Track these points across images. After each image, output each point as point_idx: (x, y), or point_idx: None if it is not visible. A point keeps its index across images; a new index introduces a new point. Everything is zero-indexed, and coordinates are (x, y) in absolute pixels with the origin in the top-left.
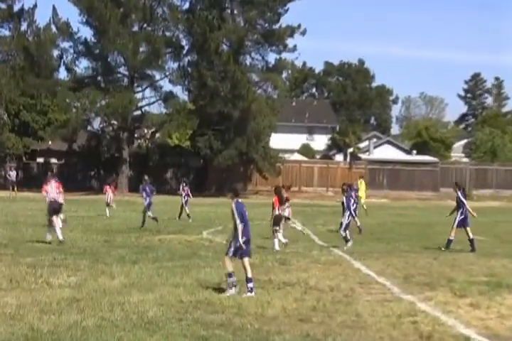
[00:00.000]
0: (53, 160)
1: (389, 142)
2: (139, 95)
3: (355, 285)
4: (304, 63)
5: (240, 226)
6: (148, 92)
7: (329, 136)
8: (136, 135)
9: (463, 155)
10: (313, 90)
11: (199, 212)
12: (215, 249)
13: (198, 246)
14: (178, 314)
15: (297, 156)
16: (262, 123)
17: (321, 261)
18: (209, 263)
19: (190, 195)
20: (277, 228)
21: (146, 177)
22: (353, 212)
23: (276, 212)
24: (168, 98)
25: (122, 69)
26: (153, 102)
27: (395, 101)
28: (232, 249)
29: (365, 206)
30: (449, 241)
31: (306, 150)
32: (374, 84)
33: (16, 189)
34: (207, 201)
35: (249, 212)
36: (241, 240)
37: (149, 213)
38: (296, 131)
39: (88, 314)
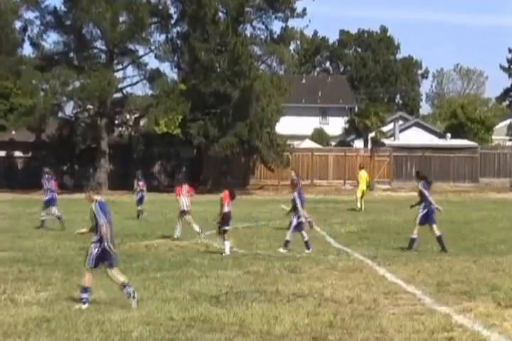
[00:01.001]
0: (17, 154)
1: (418, 124)
2: (119, 74)
3: (379, 295)
4: (316, 32)
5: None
6: (130, 71)
7: (346, 118)
8: (116, 122)
9: (507, 138)
10: (327, 64)
11: (193, 211)
12: (212, 255)
13: (192, 252)
14: (169, 334)
15: (309, 143)
16: (267, 105)
17: (338, 267)
18: (205, 272)
19: (145, 190)
20: (226, 228)
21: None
22: (300, 210)
23: (226, 209)
24: (154, 77)
25: (99, 44)
26: (137, 82)
27: (424, 76)
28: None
29: (362, 203)
30: (412, 241)
31: (319, 135)
32: (399, 56)
33: None
34: (202, 198)
35: (253, 209)
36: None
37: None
38: (307, 113)
39: (61, 336)
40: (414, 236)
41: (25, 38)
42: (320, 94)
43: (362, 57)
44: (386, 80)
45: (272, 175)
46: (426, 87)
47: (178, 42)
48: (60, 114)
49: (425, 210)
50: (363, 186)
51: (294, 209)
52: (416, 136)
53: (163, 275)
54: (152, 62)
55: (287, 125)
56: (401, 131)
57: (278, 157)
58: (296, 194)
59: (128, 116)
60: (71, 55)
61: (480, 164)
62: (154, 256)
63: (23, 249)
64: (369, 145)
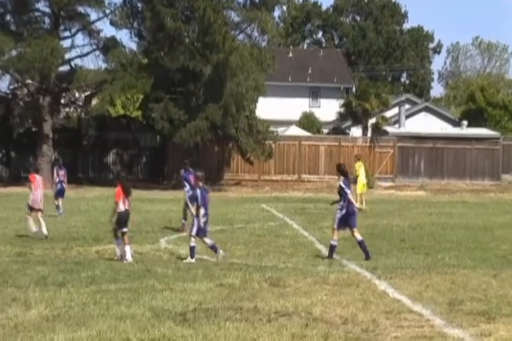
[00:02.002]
0: None
1: (428, 109)
2: (66, 43)
3: (378, 315)
4: None
5: None
6: (80, 39)
7: (342, 100)
8: (62, 101)
9: None
10: (319, 35)
11: (155, 211)
12: (177, 264)
13: (154, 260)
14: None
15: (296, 130)
16: (245, 84)
17: (330, 280)
18: (168, 284)
19: (66, 181)
20: (125, 230)
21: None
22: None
23: (121, 208)
24: (109, 47)
25: (41, 5)
26: (88, 53)
27: (436, 51)
28: None
29: (363, 203)
30: (331, 248)
31: (308, 121)
32: (406, 27)
33: None
34: (166, 195)
35: (228, 209)
36: None
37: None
38: (294, 93)
39: None
40: (334, 242)
41: None
42: (310, 71)
43: (361, 27)
44: (390, 55)
45: (251, 169)
46: (438, 64)
47: (139, 5)
48: None
49: (343, 211)
50: (362, 179)
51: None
52: (425, 124)
53: (118, 288)
54: (107, 29)
55: (270, 108)
56: (407, 117)
57: (258, 146)
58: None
59: (77, 95)
60: (7, 18)
61: (502, 158)
62: (107, 265)
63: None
64: (369, 134)
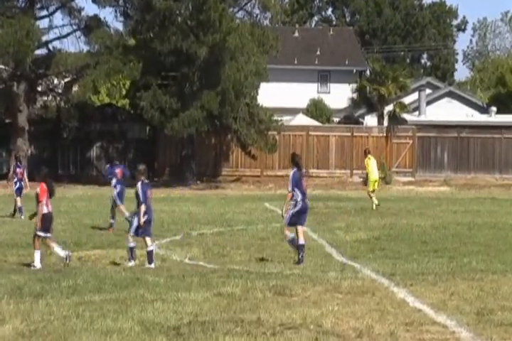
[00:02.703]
0: None
1: (451, 94)
2: (43, 23)
3: (397, 327)
4: None
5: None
6: (59, 19)
7: (354, 85)
8: (39, 88)
9: None
10: (329, 12)
11: None
12: (170, 271)
13: (143, 267)
14: None
15: (303, 119)
16: (245, 68)
17: (343, 288)
18: (160, 295)
19: (26, 180)
20: (48, 235)
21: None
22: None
23: (45, 209)
24: (91, 28)
25: None
26: (68, 34)
27: (461, 28)
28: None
29: (375, 199)
30: (290, 242)
31: (317, 108)
32: (427, 1)
33: None
34: (156, 193)
35: (227, 209)
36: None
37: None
38: (301, 78)
39: None
40: (291, 234)
41: None
42: (319, 52)
43: (376, 3)
44: (409, 34)
45: (253, 163)
46: (463, 43)
47: None
48: None
49: (298, 207)
50: (374, 176)
51: None
52: (449, 110)
53: (104, 299)
54: (89, 8)
55: (273, 94)
56: (429, 103)
57: (261, 138)
58: None
59: (55, 81)
60: None
61: None
62: (91, 273)
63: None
64: (385, 123)
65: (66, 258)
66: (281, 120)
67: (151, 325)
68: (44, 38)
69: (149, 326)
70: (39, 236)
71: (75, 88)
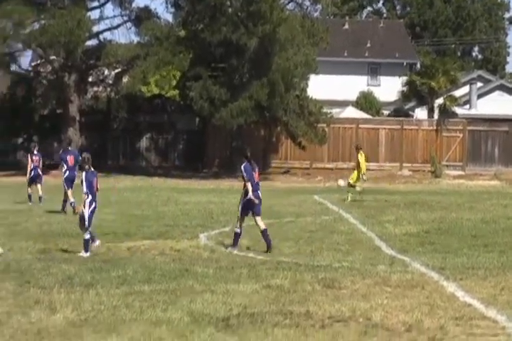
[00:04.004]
0: None
1: (503, 87)
2: (94, 14)
3: (447, 321)
4: None
5: None
6: (110, 9)
7: (404, 78)
8: (90, 79)
9: None
10: (379, 4)
11: (194, 202)
12: (219, 262)
13: (193, 258)
14: None
15: (353, 112)
16: (295, 59)
17: (392, 281)
18: (209, 286)
19: (40, 167)
20: None
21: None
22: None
23: None
24: (142, 19)
25: None
26: (119, 26)
27: None
28: None
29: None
30: (235, 235)
31: (366, 101)
32: None
33: None
34: (206, 185)
35: (275, 201)
36: None
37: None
38: (350, 70)
39: None
40: (237, 229)
41: None
42: (369, 44)
43: None
44: (460, 27)
45: (302, 155)
46: None
47: None
48: (13, 67)
49: (247, 197)
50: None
51: None
52: (500, 104)
53: (153, 289)
54: None
55: (323, 86)
56: (480, 96)
57: (310, 130)
58: None
59: (106, 72)
60: None
61: None
62: (140, 263)
63: None
64: (435, 116)
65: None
66: (330, 112)
67: (200, 315)
68: (95, 29)
69: (198, 317)
70: None
71: (125, 79)
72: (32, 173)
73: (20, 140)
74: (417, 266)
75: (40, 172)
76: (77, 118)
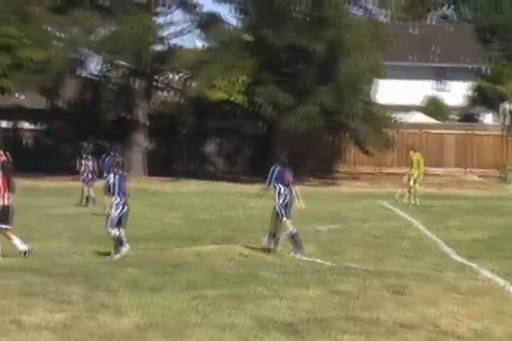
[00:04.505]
0: (26, 125)
1: None
2: (161, 19)
3: None
4: None
5: None
6: (178, 15)
7: (472, 83)
8: (157, 84)
9: None
10: (448, 8)
11: (260, 207)
12: (285, 268)
13: (260, 263)
14: None
15: (420, 117)
16: (362, 64)
17: (461, 288)
18: (277, 291)
19: (95, 171)
20: (6, 227)
21: None
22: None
23: (5, 201)
24: (209, 24)
25: None
26: (185, 31)
27: None
28: None
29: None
30: (293, 237)
31: (434, 106)
32: None
33: None
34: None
35: (341, 206)
36: None
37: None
38: (416, 75)
39: None
40: (293, 230)
41: None
42: (435, 49)
43: None
44: None
45: (368, 160)
46: None
47: None
48: (81, 73)
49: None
50: (419, 170)
51: None
52: None
53: (220, 294)
54: (207, 4)
55: (390, 91)
56: None
57: (377, 135)
58: None
59: (172, 76)
60: None
61: None
62: (208, 268)
63: (33, 253)
64: (504, 121)
65: (25, 253)
66: (400, 118)
67: (267, 321)
68: (161, 34)
69: (264, 322)
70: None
71: (192, 84)
72: (85, 176)
73: (88, 145)
74: (485, 272)
75: (93, 176)
76: (144, 123)
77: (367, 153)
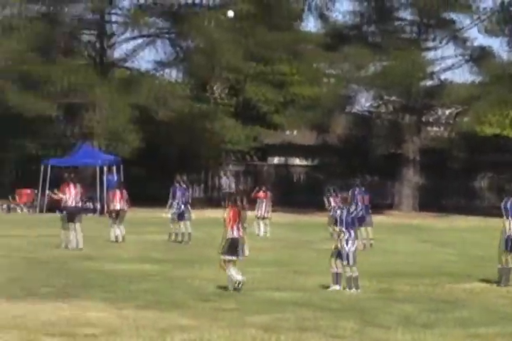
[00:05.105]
0: (296, 161)
1: None
2: (432, 54)
3: None
4: None
5: None
6: (448, 49)
7: None
8: (427, 119)
9: None
10: None
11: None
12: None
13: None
14: None
15: None
16: None
17: None
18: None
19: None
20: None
21: None
22: None
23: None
24: (481, 58)
25: (406, 14)
26: (456, 65)
27: None
28: None
29: None
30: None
31: None
32: None
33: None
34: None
35: None
36: None
37: None
38: None
39: None
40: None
41: (307, 8)
42: None
43: None
44: None
45: None
46: None
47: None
48: (351, 109)
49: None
50: None
51: None
52: None
53: (495, 333)
54: (478, 38)
55: None
56: None
57: None
58: None
59: (440, 112)
60: (365, 28)
61: None
62: (481, 305)
63: (304, 288)
64: None
65: (238, 283)
66: None
67: None
68: (432, 69)
69: None
70: (224, 260)
71: (463, 119)
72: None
73: (355, 179)
74: None
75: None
76: (414, 157)
77: None
